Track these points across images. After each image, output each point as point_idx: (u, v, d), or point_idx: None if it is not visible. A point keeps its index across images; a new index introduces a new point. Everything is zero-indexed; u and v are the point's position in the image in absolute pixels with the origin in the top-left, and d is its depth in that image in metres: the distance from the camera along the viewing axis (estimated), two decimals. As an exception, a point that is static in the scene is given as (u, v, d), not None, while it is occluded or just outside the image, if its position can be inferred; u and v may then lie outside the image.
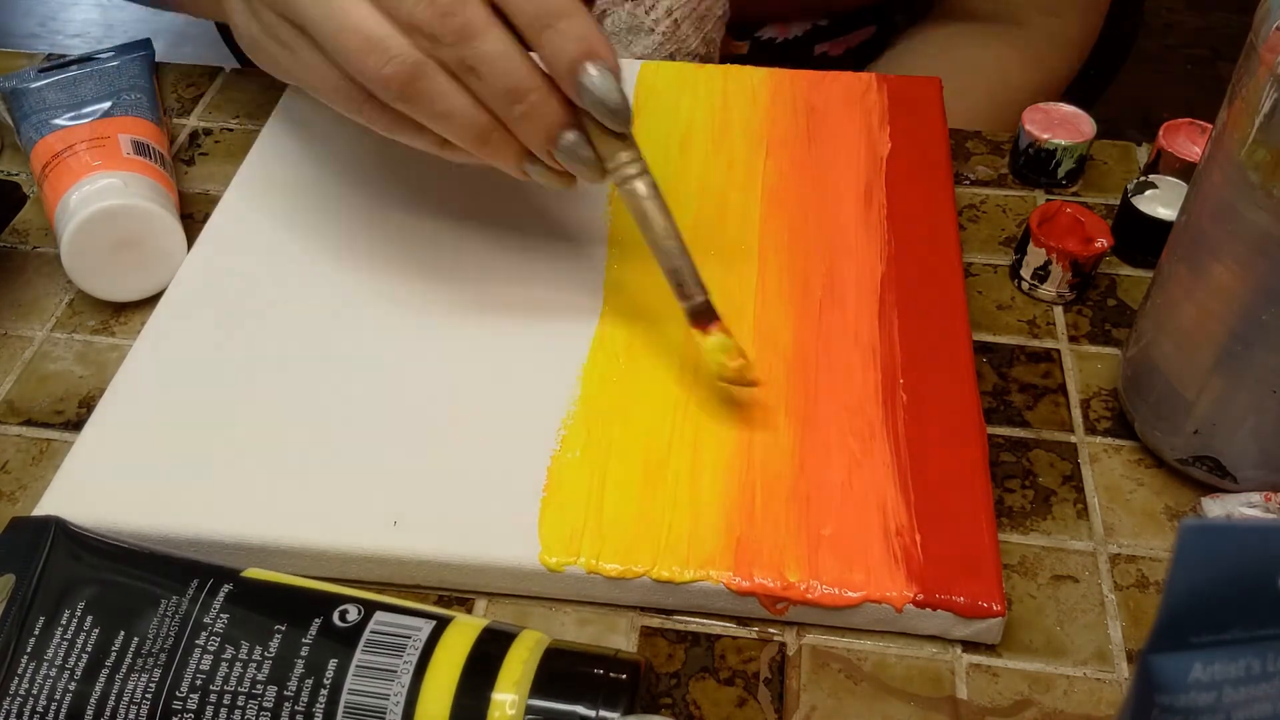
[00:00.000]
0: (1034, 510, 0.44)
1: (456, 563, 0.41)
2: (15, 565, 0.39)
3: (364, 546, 0.41)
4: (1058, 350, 0.49)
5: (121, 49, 0.59)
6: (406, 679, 0.35)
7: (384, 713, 0.34)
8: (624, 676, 0.35)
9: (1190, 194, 0.41)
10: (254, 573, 0.39)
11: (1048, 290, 0.51)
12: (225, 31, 0.84)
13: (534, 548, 0.41)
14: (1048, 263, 0.50)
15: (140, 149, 0.53)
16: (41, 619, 0.37)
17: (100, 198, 0.49)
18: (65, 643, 0.37)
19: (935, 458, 0.43)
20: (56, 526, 0.40)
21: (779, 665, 0.40)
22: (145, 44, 0.59)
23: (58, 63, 0.58)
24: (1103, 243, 0.50)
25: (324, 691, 0.35)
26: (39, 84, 0.56)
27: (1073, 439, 0.46)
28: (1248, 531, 0.23)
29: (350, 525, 0.41)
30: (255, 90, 0.63)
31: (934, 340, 0.47)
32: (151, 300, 0.51)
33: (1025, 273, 0.51)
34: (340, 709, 0.35)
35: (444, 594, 0.42)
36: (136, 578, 0.38)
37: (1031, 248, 0.50)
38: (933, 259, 0.50)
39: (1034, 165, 0.56)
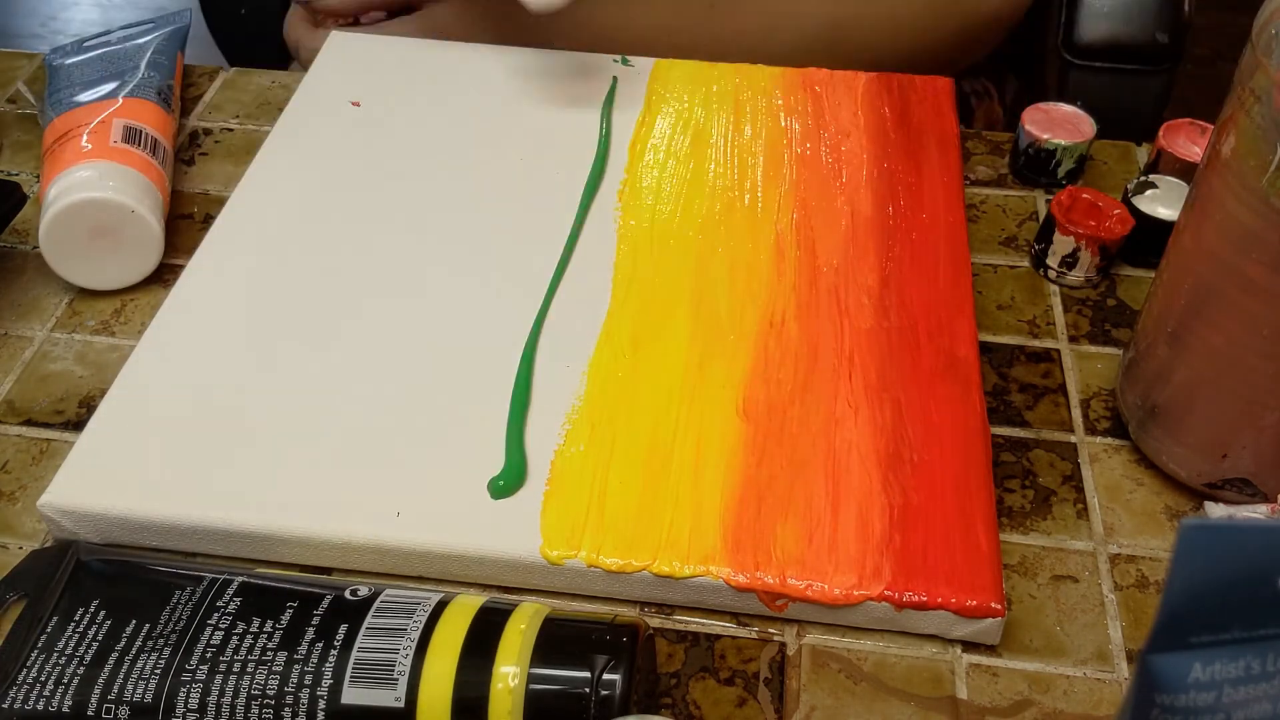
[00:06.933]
0: (1034, 510, 0.44)
1: (458, 554, 0.41)
2: (28, 588, 0.39)
3: (367, 537, 0.41)
4: (1058, 350, 0.50)
5: (162, 20, 0.59)
6: (416, 634, 0.35)
7: (393, 665, 0.35)
8: (623, 640, 0.35)
9: (1193, 208, 0.41)
10: (267, 570, 0.39)
11: (1076, 276, 0.51)
12: (219, 33, 0.84)
13: (535, 541, 0.41)
14: (1076, 250, 0.50)
15: (131, 136, 0.52)
16: (55, 618, 0.38)
17: (70, 192, 0.49)
18: (76, 635, 0.37)
19: (936, 457, 0.43)
20: (74, 554, 0.40)
21: (779, 665, 0.40)
22: (182, 15, 0.59)
23: (102, 34, 0.58)
24: (1126, 222, 0.51)
25: (334, 652, 0.35)
26: (72, 60, 0.56)
27: (1073, 439, 0.46)
28: (1248, 531, 0.23)
29: (354, 516, 0.41)
30: (255, 90, 0.63)
31: (939, 339, 0.47)
32: (151, 298, 0.51)
33: (1052, 261, 0.51)
34: (350, 665, 0.35)
35: (445, 586, 0.42)
36: (151, 589, 0.39)
37: (1058, 236, 0.51)
38: (941, 257, 0.50)
39: (1034, 165, 0.56)
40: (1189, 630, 0.25)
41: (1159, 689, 0.25)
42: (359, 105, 0.58)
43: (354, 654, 0.35)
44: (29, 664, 0.36)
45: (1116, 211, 0.51)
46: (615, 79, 0.60)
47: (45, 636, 0.37)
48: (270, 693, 0.35)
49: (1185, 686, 0.25)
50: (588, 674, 0.34)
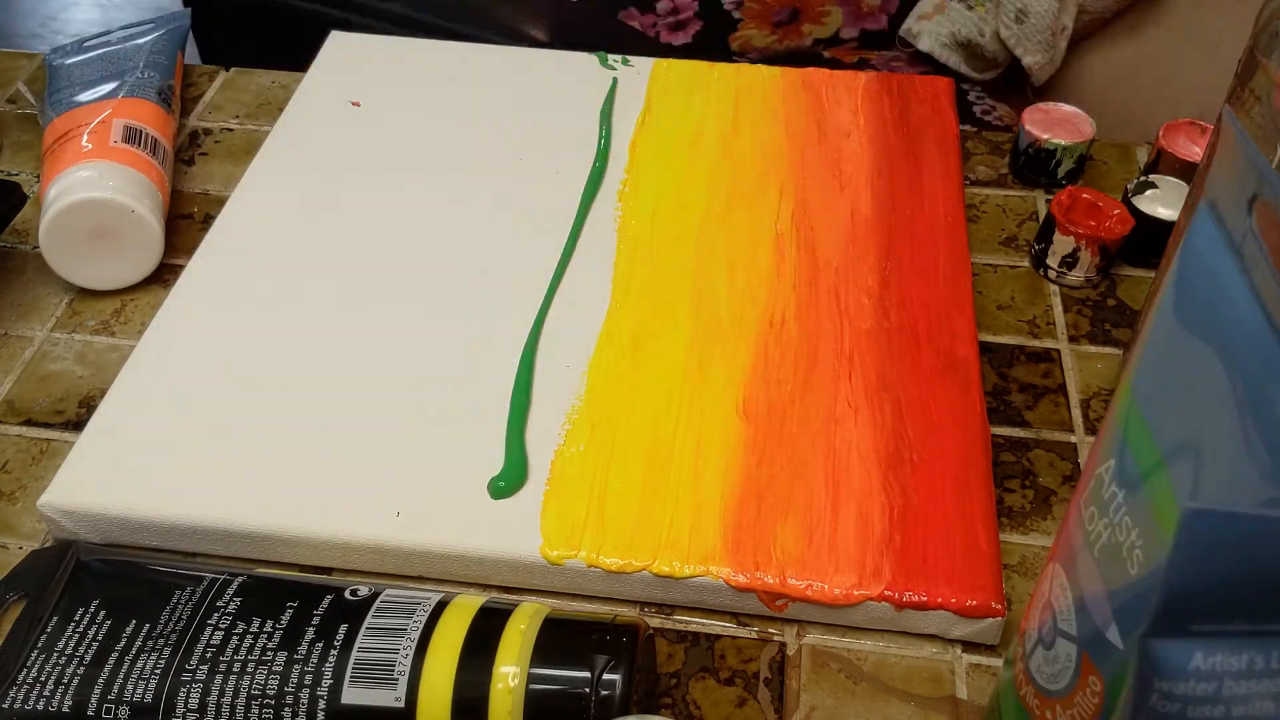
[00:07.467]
0: (1034, 510, 0.44)
1: (458, 554, 0.41)
2: (28, 588, 0.39)
3: (367, 537, 0.41)
4: (1058, 350, 0.49)
5: (161, 20, 0.59)
6: (416, 634, 0.35)
7: (393, 665, 0.35)
8: (623, 640, 0.35)
9: (1193, 208, 0.41)
10: (267, 570, 0.39)
11: (1076, 276, 0.51)
12: (203, 35, 0.84)
13: (535, 541, 0.41)
14: (1076, 250, 0.50)
15: (131, 136, 0.52)
16: (55, 618, 0.38)
17: (70, 192, 0.49)
18: (76, 635, 0.37)
19: (936, 457, 0.43)
20: (74, 554, 0.40)
21: (779, 665, 0.40)
22: (180, 15, 0.59)
23: (102, 34, 0.58)
24: (1126, 222, 0.50)
25: (334, 652, 0.35)
26: (72, 60, 0.56)
27: (1073, 439, 0.46)
28: (1253, 521, 0.23)
29: (354, 516, 0.41)
30: (255, 90, 0.63)
31: (939, 339, 0.47)
32: (151, 298, 0.51)
33: (1052, 261, 0.51)
34: (350, 665, 0.35)
35: (445, 586, 0.42)
36: (151, 589, 0.38)
37: (1058, 236, 0.51)
38: (941, 257, 0.50)
39: (1034, 165, 0.56)
40: (1190, 616, 0.24)
41: (1158, 674, 0.25)
42: (359, 105, 0.58)
43: (354, 654, 0.35)
44: (29, 664, 0.36)
45: (1116, 211, 0.51)
46: (615, 79, 0.60)
47: (45, 636, 0.37)
48: (270, 693, 0.35)
49: (1185, 674, 0.25)
50: (588, 674, 0.34)
